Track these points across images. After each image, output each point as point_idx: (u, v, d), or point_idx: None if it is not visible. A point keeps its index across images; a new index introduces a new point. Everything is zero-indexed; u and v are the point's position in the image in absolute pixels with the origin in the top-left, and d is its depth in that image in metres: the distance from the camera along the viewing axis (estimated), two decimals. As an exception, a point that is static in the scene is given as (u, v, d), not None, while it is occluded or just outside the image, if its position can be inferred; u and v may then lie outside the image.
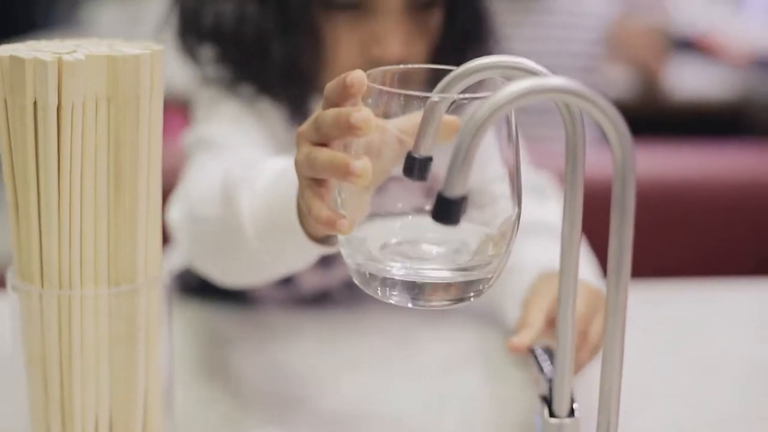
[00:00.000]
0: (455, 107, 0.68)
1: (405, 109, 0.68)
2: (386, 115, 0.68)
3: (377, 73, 0.71)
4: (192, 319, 1.17)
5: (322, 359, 1.08)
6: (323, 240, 0.83)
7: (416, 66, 0.74)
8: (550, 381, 0.79)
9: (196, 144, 1.13)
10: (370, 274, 0.69)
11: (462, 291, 0.69)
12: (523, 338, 0.91)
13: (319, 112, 0.71)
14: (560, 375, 0.76)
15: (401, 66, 0.73)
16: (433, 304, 0.69)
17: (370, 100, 0.69)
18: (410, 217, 0.70)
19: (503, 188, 0.69)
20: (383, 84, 0.70)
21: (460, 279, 0.69)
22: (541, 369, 0.86)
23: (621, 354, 0.69)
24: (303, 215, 0.81)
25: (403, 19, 1.12)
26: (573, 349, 0.75)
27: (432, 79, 0.71)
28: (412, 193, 0.70)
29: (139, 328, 0.79)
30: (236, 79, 1.16)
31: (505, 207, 0.69)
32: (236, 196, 0.90)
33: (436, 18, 1.15)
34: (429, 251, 0.70)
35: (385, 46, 1.10)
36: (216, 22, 1.15)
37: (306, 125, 0.72)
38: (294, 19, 1.12)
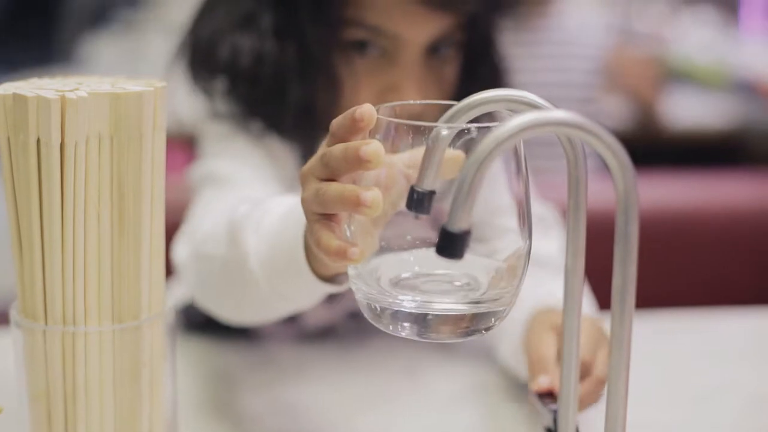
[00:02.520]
0: (461, 143, 0.68)
1: (413, 142, 0.68)
2: (395, 149, 0.68)
3: (386, 108, 0.71)
4: (196, 354, 1.17)
5: (328, 395, 1.08)
6: (331, 279, 0.83)
7: (422, 102, 0.74)
8: (554, 413, 0.78)
9: (203, 179, 1.13)
10: (380, 308, 0.69)
11: (473, 324, 0.69)
12: (546, 381, 0.91)
13: (325, 148, 0.71)
14: (565, 408, 0.75)
15: (409, 102, 0.73)
16: (444, 337, 0.69)
17: (378, 135, 0.69)
18: (421, 250, 0.70)
19: (511, 221, 0.69)
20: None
21: (471, 312, 0.69)
22: (545, 401, 0.86)
23: (626, 386, 0.69)
24: (310, 254, 0.81)
25: (421, 69, 1.11)
26: (577, 381, 0.75)
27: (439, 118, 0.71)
28: (422, 226, 0.70)
29: (143, 365, 0.79)
30: (248, 115, 1.15)
31: (514, 240, 0.69)
32: (242, 236, 0.89)
33: (452, 65, 1.15)
34: (440, 285, 0.70)
35: (401, 95, 1.09)
36: (232, 56, 1.14)
37: (312, 162, 0.72)
38: (313, 61, 1.11)
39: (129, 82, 0.80)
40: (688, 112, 3.19)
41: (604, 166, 0.63)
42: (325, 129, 1.15)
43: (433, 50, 1.12)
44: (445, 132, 0.67)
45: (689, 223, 1.78)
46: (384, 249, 0.70)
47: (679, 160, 2.59)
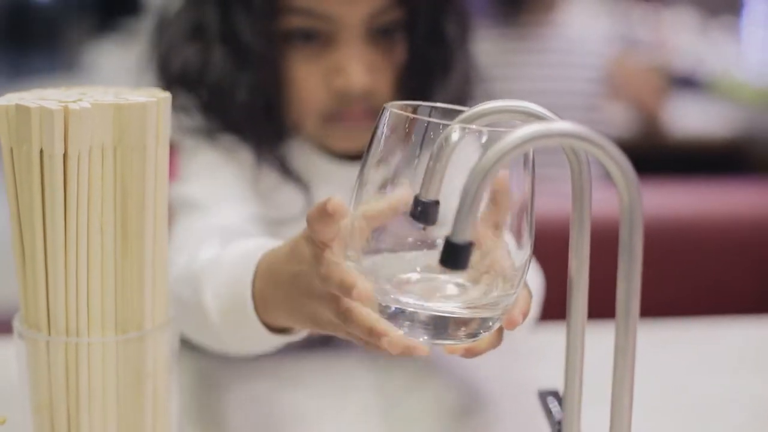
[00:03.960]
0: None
1: (425, 135, 0.68)
2: (406, 140, 0.68)
3: (396, 104, 0.71)
4: (194, 364, 1.17)
5: (329, 404, 1.08)
6: (283, 330, 0.85)
7: (424, 103, 0.74)
8: (558, 424, 0.78)
9: (177, 204, 1.13)
10: (379, 308, 0.69)
11: (474, 327, 0.69)
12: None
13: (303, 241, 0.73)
14: (569, 417, 0.75)
15: (416, 102, 0.73)
16: (446, 340, 0.69)
17: (386, 126, 0.69)
18: (422, 251, 0.70)
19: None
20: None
21: (472, 316, 0.69)
22: (549, 412, 0.85)
23: (630, 395, 0.69)
24: (259, 308, 0.83)
25: (364, 49, 1.12)
26: (581, 390, 0.75)
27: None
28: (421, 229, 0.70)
29: (146, 375, 0.79)
30: (209, 124, 1.16)
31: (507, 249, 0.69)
32: (202, 293, 0.90)
33: (399, 46, 1.16)
34: (442, 287, 0.70)
35: (347, 75, 1.11)
36: (183, 67, 1.15)
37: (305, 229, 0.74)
38: (255, 55, 1.12)
39: (132, 92, 0.80)
40: (691, 120, 3.19)
41: (608, 175, 0.63)
42: (281, 124, 1.15)
43: (376, 32, 1.13)
44: (454, 138, 0.67)
45: (692, 231, 1.78)
46: (385, 251, 0.70)
47: (682, 168, 2.59)
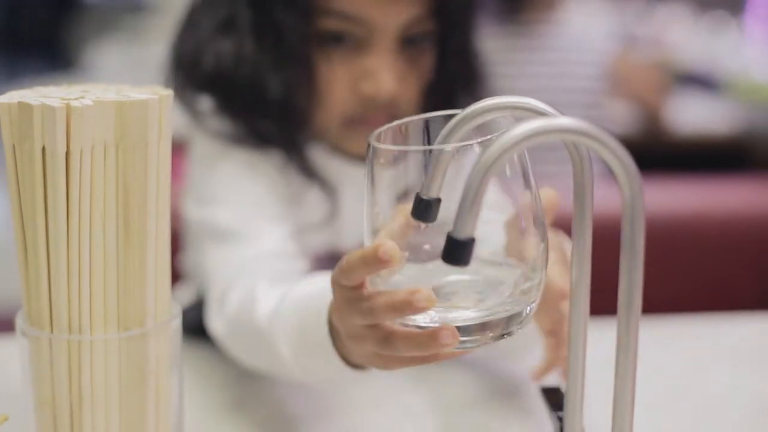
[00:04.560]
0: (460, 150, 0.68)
1: (420, 161, 0.68)
2: (398, 169, 0.68)
3: (388, 131, 0.71)
4: (197, 359, 1.17)
5: (334, 399, 1.08)
6: (361, 365, 0.85)
7: (424, 117, 0.74)
8: (560, 420, 0.78)
9: (204, 231, 1.13)
10: (403, 323, 0.69)
11: (501, 328, 0.69)
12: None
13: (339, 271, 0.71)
14: (571, 413, 0.75)
15: (406, 119, 0.73)
16: (473, 344, 0.69)
17: (381, 159, 0.69)
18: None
19: (527, 224, 0.69)
20: (397, 134, 0.70)
21: (497, 317, 0.69)
22: (551, 408, 0.85)
23: (632, 393, 0.69)
24: (339, 344, 0.82)
25: (395, 56, 1.13)
26: (583, 386, 0.75)
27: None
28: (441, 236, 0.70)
29: (149, 372, 0.79)
30: (234, 127, 1.15)
31: (528, 242, 0.69)
32: (275, 347, 0.92)
33: (427, 57, 1.17)
34: (462, 293, 0.70)
35: (376, 82, 1.11)
36: (216, 63, 1.15)
37: (335, 273, 0.72)
38: (289, 54, 1.13)
39: (134, 90, 0.80)
40: (694, 117, 3.18)
41: (610, 172, 0.63)
42: (307, 128, 1.16)
43: (407, 41, 1.13)
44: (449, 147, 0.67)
45: (694, 228, 1.78)
46: (407, 259, 0.70)
47: (684, 165, 2.59)
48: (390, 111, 1.13)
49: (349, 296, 0.71)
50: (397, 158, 0.69)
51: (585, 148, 0.68)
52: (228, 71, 1.14)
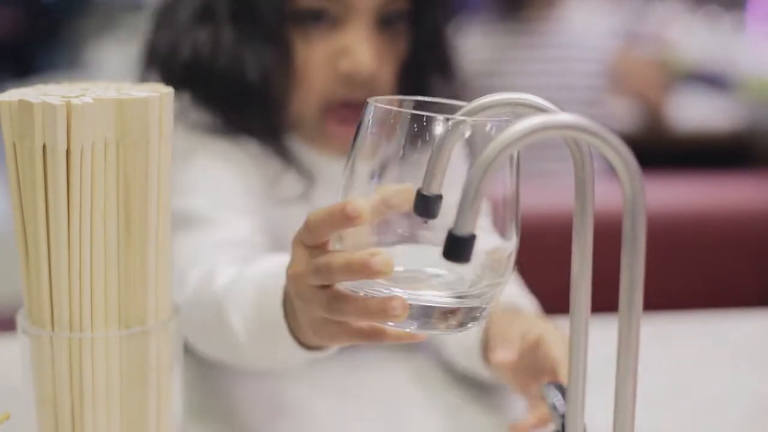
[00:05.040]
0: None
1: (410, 128, 0.68)
2: (391, 136, 0.68)
3: (383, 100, 0.71)
4: (195, 359, 1.17)
5: (334, 400, 1.07)
6: (315, 346, 0.84)
7: (417, 98, 0.74)
8: (562, 417, 0.78)
9: (176, 221, 1.12)
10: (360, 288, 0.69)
11: (462, 317, 0.69)
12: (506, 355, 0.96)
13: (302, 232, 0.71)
14: (572, 411, 0.75)
15: (404, 97, 0.73)
16: (434, 329, 0.69)
17: (371, 121, 0.69)
18: (410, 244, 0.70)
19: (484, 221, 0.68)
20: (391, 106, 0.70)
21: (460, 305, 0.69)
22: (553, 405, 0.85)
23: (634, 390, 0.69)
24: (294, 324, 0.82)
25: (372, 33, 1.13)
26: (584, 384, 0.75)
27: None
28: (411, 222, 0.70)
29: (150, 370, 0.79)
30: (212, 117, 1.15)
31: (487, 239, 0.69)
32: (227, 317, 0.91)
33: (402, 39, 1.17)
34: (429, 278, 0.70)
35: (355, 57, 1.11)
36: (193, 52, 1.14)
37: (298, 232, 0.72)
38: (267, 35, 1.12)
39: (135, 87, 0.80)
40: (695, 114, 3.18)
41: (611, 168, 0.63)
42: (285, 115, 1.14)
43: (383, 20, 1.14)
44: (456, 131, 0.67)
45: (695, 225, 1.78)
46: (374, 244, 0.70)
47: (685, 162, 2.58)
48: (368, 94, 1.12)
49: (309, 254, 0.71)
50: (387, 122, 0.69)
51: (586, 144, 0.68)
52: (206, 60, 1.14)
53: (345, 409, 1.06)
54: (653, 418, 1.00)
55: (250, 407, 1.05)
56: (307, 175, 1.15)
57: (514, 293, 1.12)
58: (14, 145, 0.75)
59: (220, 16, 1.14)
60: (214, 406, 1.05)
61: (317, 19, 1.12)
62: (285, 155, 1.15)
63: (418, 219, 0.69)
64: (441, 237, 0.61)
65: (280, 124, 1.16)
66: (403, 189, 0.69)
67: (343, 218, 0.66)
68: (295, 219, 0.77)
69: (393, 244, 0.70)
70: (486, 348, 1.03)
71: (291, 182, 1.16)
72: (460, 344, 1.08)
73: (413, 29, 1.17)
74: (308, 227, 0.70)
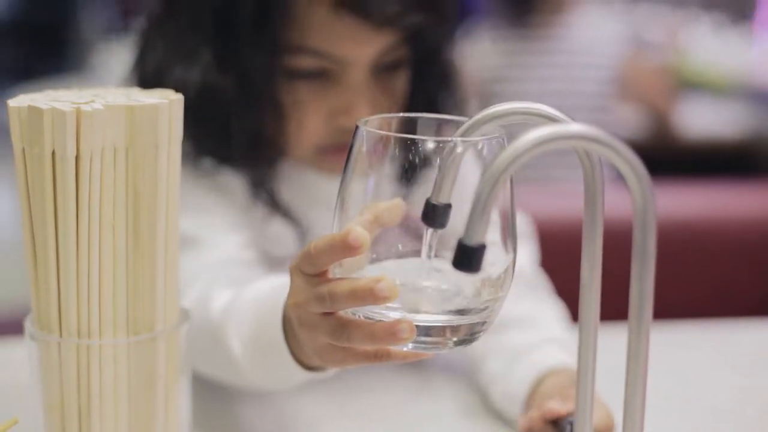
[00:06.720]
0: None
1: (401, 150, 0.68)
2: (382, 161, 0.68)
3: (374, 120, 0.71)
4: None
5: (335, 410, 1.07)
6: (315, 367, 0.84)
7: (415, 115, 0.74)
8: (570, 424, 0.78)
9: None
10: (367, 318, 0.69)
11: (459, 334, 0.69)
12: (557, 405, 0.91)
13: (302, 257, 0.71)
14: (581, 419, 0.75)
15: (401, 114, 0.73)
16: (435, 348, 0.69)
17: (364, 148, 0.69)
18: (406, 259, 0.70)
19: (492, 234, 0.68)
20: (383, 126, 0.70)
21: (457, 323, 0.69)
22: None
23: (643, 399, 0.69)
24: (293, 345, 0.82)
25: (370, 87, 1.09)
26: (592, 413, 0.74)
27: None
28: (405, 237, 0.70)
29: (158, 377, 0.79)
30: (197, 152, 1.10)
31: (496, 252, 0.69)
32: (226, 341, 0.91)
33: (402, 80, 1.13)
34: (425, 295, 0.70)
35: (352, 115, 1.07)
36: (178, 91, 1.11)
37: (297, 261, 0.71)
38: (257, 91, 1.08)
39: (144, 94, 0.80)
40: (703, 121, 3.18)
41: (620, 176, 0.63)
42: (276, 155, 1.11)
43: (381, 69, 1.10)
44: (460, 148, 0.67)
45: (702, 232, 1.78)
46: (371, 259, 0.70)
47: (693, 169, 2.58)
48: None
49: (310, 282, 0.70)
50: (381, 143, 0.69)
51: (596, 154, 0.68)
52: (190, 101, 1.09)
53: (349, 418, 1.06)
54: (660, 425, 1.00)
55: (256, 413, 1.05)
56: (294, 221, 1.13)
57: (564, 339, 1.08)
58: (23, 151, 0.75)
59: (205, 61, 1.09)
60: (221, 417, 1.05)
61: (311, 76, 1.09)
62: (271, 198, 1.12)
63: (409, 234, 0.69)
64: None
65: (269, 165, 1.12)
66: (392, 205, 0.69)
67: (344, 248, 0.66)
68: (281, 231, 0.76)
69: (386, 259, 0.70)
70: (528, 403, 1.00)
71: (279, 226, 1.13)
72: (507, 390, 1.04)
73: (413, 69, 1.14)
74: (309, 257, 0.69)
